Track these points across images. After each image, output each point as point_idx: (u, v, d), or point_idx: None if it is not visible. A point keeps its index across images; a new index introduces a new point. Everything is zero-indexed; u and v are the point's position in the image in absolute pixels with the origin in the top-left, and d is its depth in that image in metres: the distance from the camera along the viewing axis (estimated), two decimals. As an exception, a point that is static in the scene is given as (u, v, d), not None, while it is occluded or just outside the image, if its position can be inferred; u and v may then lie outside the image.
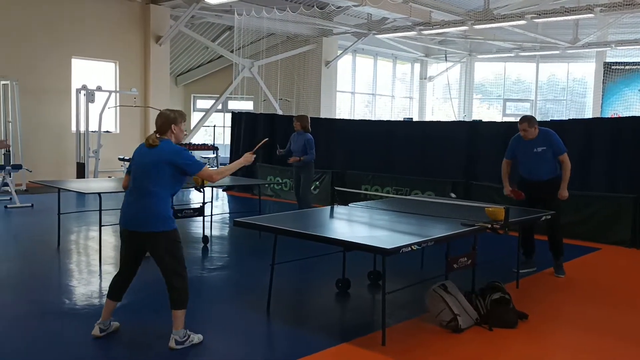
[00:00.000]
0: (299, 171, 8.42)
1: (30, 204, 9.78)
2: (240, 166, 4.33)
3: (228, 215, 10.06)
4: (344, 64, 20.41)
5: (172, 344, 3.99)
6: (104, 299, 5.09)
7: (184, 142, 15.72)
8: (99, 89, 13.20)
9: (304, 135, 8.33)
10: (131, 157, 4.25)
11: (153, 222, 3.96)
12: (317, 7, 15.05)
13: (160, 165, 3.95)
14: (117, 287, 4.20)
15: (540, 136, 6.20)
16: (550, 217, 5.83)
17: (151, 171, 3.97)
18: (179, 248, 4.07)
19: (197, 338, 4.10)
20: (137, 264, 4.20)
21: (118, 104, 14.30)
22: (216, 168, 4.07)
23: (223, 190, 12.94)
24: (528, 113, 22.27)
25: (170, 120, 4.06)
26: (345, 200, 6.72)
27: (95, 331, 4.18)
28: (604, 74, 19.32)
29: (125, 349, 4.06)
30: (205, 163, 4.06)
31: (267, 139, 4.95)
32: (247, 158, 4.38)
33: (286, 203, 11.04)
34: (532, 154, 6.21)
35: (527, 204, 6.22)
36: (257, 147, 4.53)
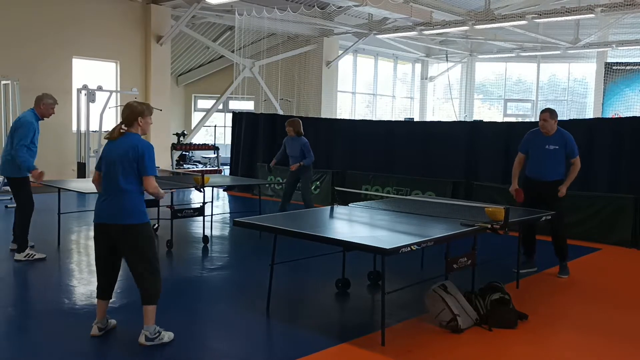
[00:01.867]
0: (297, 173, 8.41)
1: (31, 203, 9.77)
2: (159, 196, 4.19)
3: (228, 215, 10.06)
4: (344, 64, 20.41)
5: (141, 339, 4.00)
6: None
7: (185, 142, 15.74)
8: (99, 88, 13.22)
9: (298, 139, 8.36)
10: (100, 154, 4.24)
11: (122, 215, 3.95)
12: (317, 7, 15.06)
13: (125, 159, 3.93)
14: (103, 286, 4.19)
15: (557, 134, 6.18)
16: (552, 218, 5.82)
17: (116, 165, 3.96)
18: (152, 241, 4.06)
19: (167, 336, 4.07)
20: (114, 262, 4.16)
21: (119, 104, 14.29)
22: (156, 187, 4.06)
23: (224, 190, 12.95)
24: (529, 113, 22.31)
25: (137, 113, 4.04)
26: (345, 200, 6.72)
27: (94, 331, 4.19)
28: (604, 74, 19.31)
29: (122, 349, 4.06)
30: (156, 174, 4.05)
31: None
32: (162, 194, 4.19)
33: (279, 203, 11.02)
34: (543, 150, 6.18)
35: (529, 204, 6.18)
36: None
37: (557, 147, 6.13)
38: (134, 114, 4.03)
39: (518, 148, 6.51)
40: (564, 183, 6.15)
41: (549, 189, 6.14)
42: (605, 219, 8.06)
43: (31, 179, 6.33)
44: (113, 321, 4.35)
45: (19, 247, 6.35)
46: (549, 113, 6.17)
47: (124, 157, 3.94)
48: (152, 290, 4.01)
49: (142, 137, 4.13)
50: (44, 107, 6.33)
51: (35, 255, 6.36)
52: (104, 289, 4.18)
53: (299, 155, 8.30)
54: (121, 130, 4.03)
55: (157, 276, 4.05)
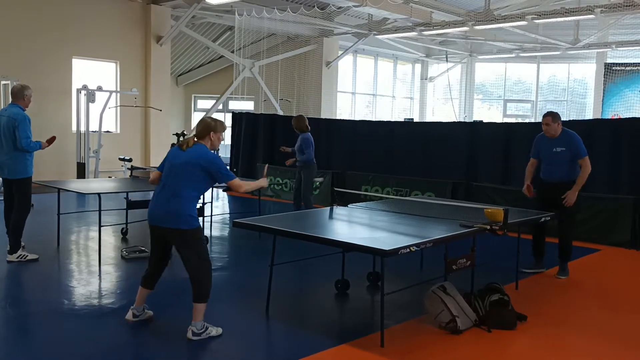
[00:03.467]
0: (299, 171, 8.39)
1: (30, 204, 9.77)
2: (257, 187, 4.61)
3: (228, 215, 10.06)
4: (344, 64, 20.40)
5: (189, 334, 4.17)
6: (104, 300, 5.14)
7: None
8: (99, 89, 13.21)
9: (302, 135, 8.29)
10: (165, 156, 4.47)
11: (176, 220, 4.13)
12: (317, 7, 15.05)
13: (190, 166, 4.14)
14: (148, 277, 4.42)
15: (562, 136, 6.19)
16: (562, 219, 5.88)
17: (179, 171, 4.17)
18: (200, 245, 4.25)
19: (215, 331, 4.25)
20: (164, 257, 4.42)
21: (118, 104, 14.31)
22: (245, 180, 4.32)
23: (223, 191, 12.95)
24: (529, 114, 22.30)
25: (210, 128, 4.28)
26: (345, 201, 6.72)
27: (129, 315, 4.42)
28: (604, 74, 19.32)
29: (121, 349, 4.06)
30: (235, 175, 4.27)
31: (267, 165, 5.19)
32: (262, 183, 4.64)
33: (286, 203, 11.02)
34: (551, 153, 6.20)
35: (541, 206, 6.18)
36: (265, 174, 4.83)
37: (563, 148, 6.14)
38: (207, 128, 4.27)
39: (530, 154, 6.54)
40: (571, 189, 6.09)
41: (560, 191, 6.14)
42: (604, 220, 8.06)
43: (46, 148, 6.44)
44: (150, 312, 4.52)
45: (12, 247, 6.28)
46: (550, 117, 6.17)
47: (187, 163, 4.16)
48: (203, 289, 4.21)
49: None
50: (27, 99, 6.28)
51: (27, 256, 6.32)
52: (149, 279, 4.42)
53: (299, 149, 8.23)
54: (193, 142, 4.27)
55: (207, 276, 4.23)
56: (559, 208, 6.04)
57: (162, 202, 4.18)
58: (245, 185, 4.44)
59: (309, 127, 8.40)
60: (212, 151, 4.29)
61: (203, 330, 4.19)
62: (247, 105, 19.51)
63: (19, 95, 6.25)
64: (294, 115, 11.76)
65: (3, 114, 6.28)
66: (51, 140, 6.58)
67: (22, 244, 6.41)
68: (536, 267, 6.39)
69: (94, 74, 14.27)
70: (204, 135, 4.26)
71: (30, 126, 6.19)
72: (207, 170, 4.14)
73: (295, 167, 8.50)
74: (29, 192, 6.34)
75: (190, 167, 4.13)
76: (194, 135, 4.29)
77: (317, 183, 11.37)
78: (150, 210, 4.26)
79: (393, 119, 20.67)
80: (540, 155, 6.39)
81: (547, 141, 6.26)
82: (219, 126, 4.31)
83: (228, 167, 13.79)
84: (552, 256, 6.44)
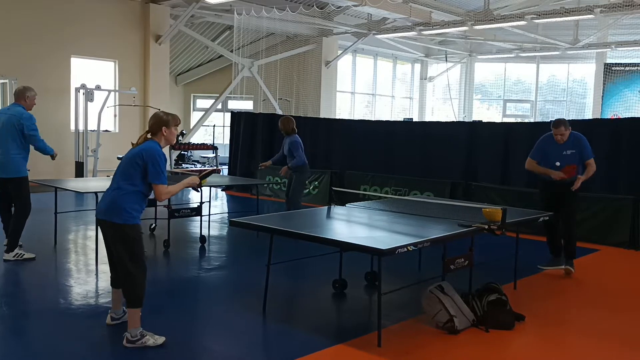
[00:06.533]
0: (292, 173, 8.17)
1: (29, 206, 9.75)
2: (184, 187, 4.25)
3: (226, 215, 10.05)
4: (344, 64, 20.40)
5: (124, 341, 4.01)
6: (100, 299, 5.12)
7: (184, 142, 15.73)
8: (98, 88, 13.20)
9: (289, 138, 7.90)
10: None
11: (111, 213, 3.98)
12: (316, 6, 15.03)
13: (133, 160, 3.99)
14: (114, 279, 4.31)
15: (571, 139, 6.24)
16: (565, 218, 5.97)
17: (123, 166, 4.04)
18: (135, 245, 4.00)
19: (153, 340, 4.02)
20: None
21: (117, 103, 14.28)
22: (169, 189, 4.09)
23: (222, 190, 12.93)
24: (528, 114, 22.28)
25: (162, 122, 4.09)
26: (343, 200, 6.71)
27: (108, 319, 4.33)
28: (604, 74, 19.32)
29: (118, 350, 4.04)
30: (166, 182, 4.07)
31: (215, 168, 4.85)
32: (193, 180, 4.31)
33: (284, 203, 11.00)
34: (561, 157, 6.23)
35: (547, 206, 6.22)
36: (204, 173, 4.41)
37: (573, 151, 6.21)
38: (159, 123, 4.09)
39: (530, 155, 6.50)
40: (579, 178, 6.18)
41: (568, 190, 6.20)
42: (603, 220, 8.05)
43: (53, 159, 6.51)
44: None
45: (9, 246, 6.27)
46: (563, 126, 6.19)
47: (132, 157, 4.00)
48: (133, 294, 4.01)
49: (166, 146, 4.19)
50: (29, 99, 6.30)
51: (24, 255, 6.31)
52: (115, 277, 4.27)
53: (289, 154, 7.88)
54: (146, 137, 4.11)
55: (137, 280, 4.01)
56: (565, 207, 6.16)
57: (105, 195, 4.10)
58: (169, 192, 4.05)
59: (296, 130, 8.04)
60: (168, 146, 4.12)
61: (137, 338, 3.98)
62: (246, 105, 19.50)
63: (21, 96, 6.28)
64: (293, 115, 11.70)
65: (4, 113, 6.29)
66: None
67: (20, 243, 6.40)
68: (554, 263, 6.43)
69: (93, 73, 14.26)
70: (157, 131, 4.08)
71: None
72: (145, 164, 3.94)
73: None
74: (26, 193, 6.29)
75: (132, 161, 3.97)
76: (147, 132, 4.13)
77: (316, 183, 11.34)
78: (98, 204, 4.19)
79: (392, 119, 20.67)
80: (546, 158, 6.37)
81: (555, 145, 6.28)
82: (172, 120, 4.12)
83: (227, 168, 13.84)
84: (548, 257, 6.46)
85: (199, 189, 6.12)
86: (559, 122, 6.24)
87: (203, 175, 4.34)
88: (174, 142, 4.30)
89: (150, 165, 3.94)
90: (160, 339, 4.06)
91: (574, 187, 6.18)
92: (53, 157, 6.56)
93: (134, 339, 3.98)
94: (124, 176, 4.00)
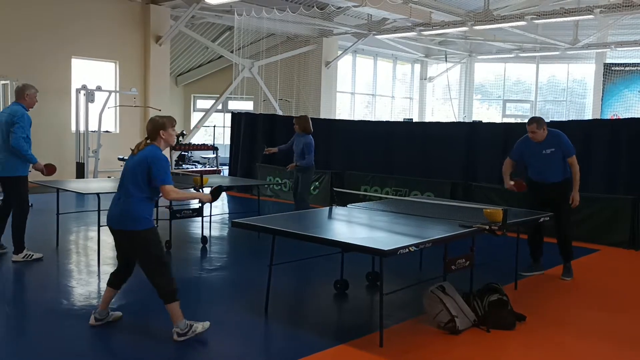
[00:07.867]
0: (297, 172, 8.32)
1: (29, 204, 9.76)
2: (194, 198, 4.54)
3: (227, 215, 10.06)
4: (344, 64, 20.41)
5: (174, 337, 4.12)
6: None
7: (184, 142, 15.74)
8: (98, 89, 13.21)
9: (304, 137, 8.06)
10: None
11: (126, 221, 4.10)
12: (317, 7, 15.05)
13: (138, 168, 4.08)
14: (115, 277, 4.38)
15: (549, 138, 6.13)
16: (559, 219, 5.88)
17: (129, 173, 4.13)
18: (154, 246, 4.16)
19: (201, 326, 4.19)
20: (128, 259, 4.33)
21: (118, 104, 14.30)
22: (178, 191, 4.25)
23: (222, 191, 12.92)
24: (528, 114, 22.29)
25: (158, 127, 4.20)
26: (344, 201, 6.72)
27: (91, 320, 4.35)
28: (603, 75, 19.33)
29: (119, 350, 4.06)
30: (172, 182, 4.19)
31: (220, 185, 4.85)
32: (206, 198, 4.51)
33: (285, 203, 11.03)
34: (541, 156, 6.14)
35: (536, 206, 6.14)
36: (214, 189, 4.53)
37: (553, 149, 6.10)
38: (155, 128, 4.20)
39: (509, 154, 6.49)
40: (574, 190, 6.10)
41: (555, 190, 6.13)
42: (603, 220, 8.06)
43: (31, 170, 6.30)
44: (117, 314, 4.48)
45: (16, 248, 6.27)
46: (535, 124, 6.08)
47: (136, 165, 4.10)
48: (167, 289, 4.12)
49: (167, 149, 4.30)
50: (29, 97, 6.27)
51: (33, 255, 6.33)
52: (115, 279, 4.37)
53: (301, 154, 8.05)
54: (146, 143, 4.21)
55: (165, 276, 4.15)
56: (555, 208, 6.04)
57: (115, 204, 4.18)
58: (179, 193, 4.25)
59: (312, 130, 8.19)
60: (168, 148, 4.25)
61: (187, 329, 4.13)
62: (247, 105, 19.51)
63: (20, 94, 6.27)
64: (294, 115, 11.71)
65: (4, 112, 6.31)
66: (51, 171, 6.45)
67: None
68: (534, 269, 6.35)
69: (93, 73, 14.27)
70: (155, 136, 4.20)
71: (30, 127, 6.18)
72: (149, 169, 4.05)
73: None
74: (24, 192, 6.28)
75: (138, 168, 4.08)
76: (146, 138, 4.23)
77: (317, 183, 11.35)
78: (108, 212, 4.25)
79: (392, 119, 20.68)
80: (525, 158, 6.32)
81: (533, 144, 6.18)
82: (167, 122, 4.22)
83: (228, 168, 13.85)
84: (549, 256, 6.44)
85: (200, 190, 6.16)
86: (531, 120, 6.16)
87: (214, 192, 4.46)
88: (174, 142, 4.40)
89: (154, 168, 4.05)
90: (207, 324, 4.24)
91: (574, 205, 6.11)
92: (43, 172, 6.34)
93: (185, 331, 4.12)
94: (133, 184, 4.09)
